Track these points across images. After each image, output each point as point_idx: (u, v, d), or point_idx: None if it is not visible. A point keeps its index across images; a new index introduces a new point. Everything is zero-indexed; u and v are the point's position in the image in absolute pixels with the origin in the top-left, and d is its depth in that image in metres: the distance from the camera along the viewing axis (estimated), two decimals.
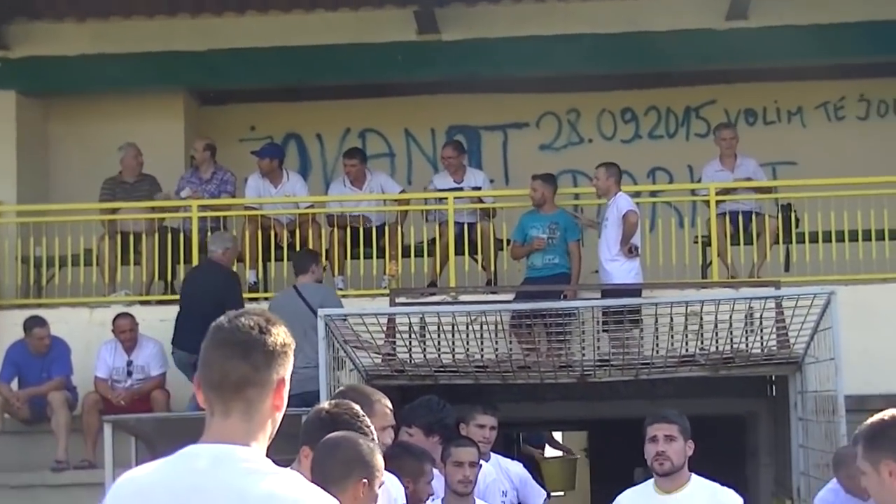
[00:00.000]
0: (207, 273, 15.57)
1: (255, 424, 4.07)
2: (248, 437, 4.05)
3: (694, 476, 7.94)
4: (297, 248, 16.80)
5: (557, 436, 25.29)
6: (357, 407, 6.30)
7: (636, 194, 17.15)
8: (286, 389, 4.14)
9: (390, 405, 7.08)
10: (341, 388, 6.98)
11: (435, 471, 8.83)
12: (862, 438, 5.80)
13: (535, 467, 18.98)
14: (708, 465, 8.39)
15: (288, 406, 4.00)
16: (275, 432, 4.20)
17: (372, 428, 6.27)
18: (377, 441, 6.29)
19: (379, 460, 5.60)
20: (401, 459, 7.44)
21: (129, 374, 15.66)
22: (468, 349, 13.43)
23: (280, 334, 4.10)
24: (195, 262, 16.65)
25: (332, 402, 6.51)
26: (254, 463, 4.03)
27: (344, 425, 6.14)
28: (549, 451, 24.77)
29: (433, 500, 8.99)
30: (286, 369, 4.13)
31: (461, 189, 16.96)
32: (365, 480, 5.36)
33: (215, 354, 4.08)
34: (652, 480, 8.19)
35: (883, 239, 16.57)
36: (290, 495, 3.98)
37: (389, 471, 7.13)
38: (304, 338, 13.05)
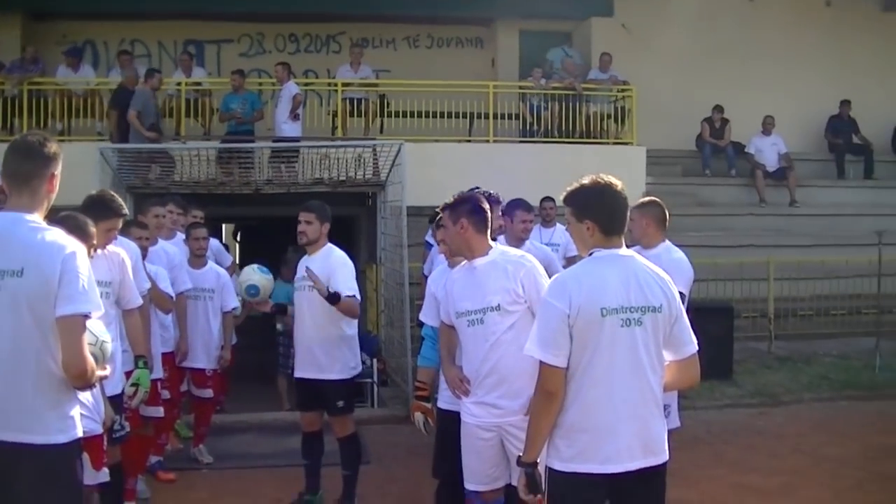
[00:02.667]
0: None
1: (36, 201, 4.23)
2: (33, 209, 4.20)
3: (328, 244, 7.66)
4: (89, 111, 16.37)
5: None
6: (112, 193, 6.37)
7: (297, 84, 17.21)
8: (56, 181, 4.26)
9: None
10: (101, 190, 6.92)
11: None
12: (451, 210, 5.98)
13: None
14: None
15: None
16: (50, 206, 4.32)
17: (124, 206, 6.37)
18: (121, 217, 6.36)
19: (90, 230, 5.49)
20: (126, 227, 7.38)
21: None
22: (189, 172, 13.37)
23: (52, 147, 4.26)
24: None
25: (98, 190, 6.54)
26: (36, 223, 4.16)
27: (107, 202, 6.24)
28: None
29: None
30: (56, 168, 4.26)
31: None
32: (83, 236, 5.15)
33: (11, 157, 4.20)
34: None
35: (437, 117, 16.90)
36: (57, 240, 4.13)
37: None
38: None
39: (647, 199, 7.23)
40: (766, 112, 18.73)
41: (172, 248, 8.75)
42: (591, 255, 4.55)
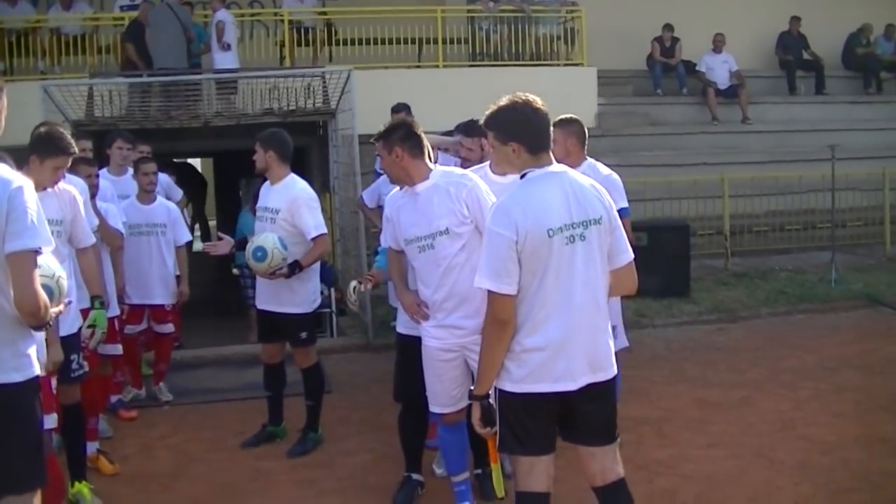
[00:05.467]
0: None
1: None
2: None
3: (291, 175, 7.40)
4: (30, 49, 16.08)
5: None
6: (62, 130, 6.18)
7: (241, 16, 16.96)
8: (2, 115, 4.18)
9: None
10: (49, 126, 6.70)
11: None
12: (384, 140, 5.85)
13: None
14: None
15: None
16: None
17: (73, 144, 6.20)
18: (69, 155, 6.19)
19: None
20: (76, 165, 7.25)
21: None
22: (138, 108, 13.18)
23: None
24: None
25: (46, 125, 6.35)
26: None
27: (55, 139, 6.06)
28: None
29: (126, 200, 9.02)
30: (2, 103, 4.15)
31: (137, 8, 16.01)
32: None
33: None
34: None
35: (390, 43, 16.76)
36: (3, 175, 4.06)
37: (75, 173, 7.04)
38: (175, 42, 14.48)
39: (566, 116, 7.01)
40: (717, 30, 18.69)
41: (103, 181, 8.55)
42: (524, 176, 4.50)
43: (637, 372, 9.36)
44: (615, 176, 7.05)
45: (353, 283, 6.61)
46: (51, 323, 4.34)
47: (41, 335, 5.20)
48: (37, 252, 4.03)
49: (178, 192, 11.14)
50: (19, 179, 4.07)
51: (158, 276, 9.08)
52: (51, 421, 5.67)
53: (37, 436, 4.25)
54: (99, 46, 16.51)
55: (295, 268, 7.22)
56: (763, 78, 19.64)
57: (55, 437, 6.43)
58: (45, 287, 4.17)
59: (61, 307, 4.48)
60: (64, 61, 16.32)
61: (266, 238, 7.23)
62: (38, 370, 4.24)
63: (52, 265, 4.45)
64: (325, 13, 17.37)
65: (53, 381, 5.68)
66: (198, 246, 14.74)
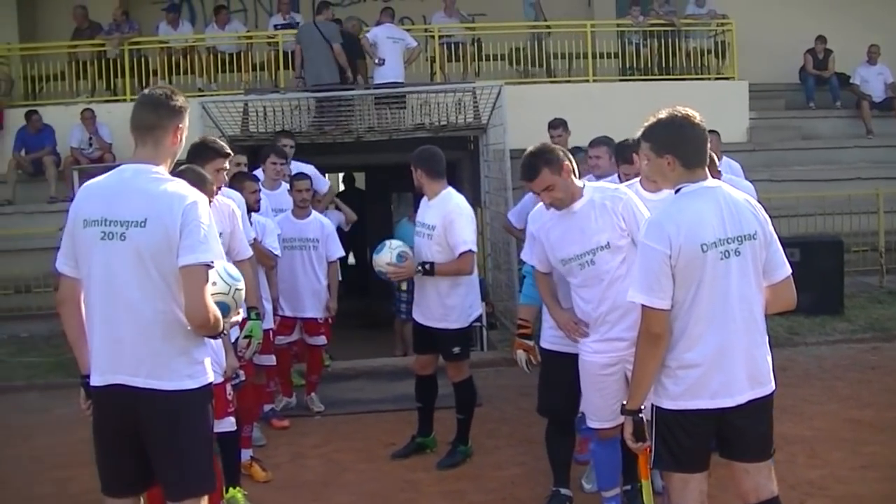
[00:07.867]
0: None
1: (160, 153, 4.36)
2: (157, 160, 4.34)
3: (448, 189, 7.47)
4: (188, 68, 16.73)
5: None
6: (217, 140, 6.49)
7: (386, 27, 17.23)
8: (181, 134, 4.40)
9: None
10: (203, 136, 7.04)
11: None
12: (530, 156, 5.90)
13: None
14: None
15: None
16: (175, 159, 4.45)
17: (227, 147, 6.47)
18: (224, 156, 6.45)
19: (210, 181, 5.68)
20: (241, 180, 7.57)
21: (90, 144, 15.48)
22: (291, 123, 13.48)
23: (179, 100, 4.41)
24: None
25: (204, 137, 6.65)
26: (159, 174, 4.30)
27: (209, 143, 6.37)
28: None
29: (280, 213, 9.24)
30: (181, 121, 4.41)
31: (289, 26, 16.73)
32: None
33: (137, 109, 4.33)
34: None
35: (535, 59, 16.81)
36: (179, 191, 4.25)
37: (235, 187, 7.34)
38: (324, 58, 14.43)
39: None
40: (871, 41, 18.24)
41: (237, 196, 8.73)
42: (678, 191, 4.49)
43: (789, 390, 9.20)
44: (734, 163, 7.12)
45: (522, 357, 6.63)
46: (225, 332, 4.56)
47: (219, 342, 5.42)
48: (208, 266, 4.22)
49: (325, 183, 11.33)
50: (193, 195, 4.27)
51: (310, 290, 9.21)
52: (227, 425, 5.88)
53: (208, 442, 4.42)
54: (253, 64, 17.03)
55: (429, 269, 7.37)
56: None
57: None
58: (220, 305, 4.38)
59: (239, 316, 4.72)
60: (220, 78, 16.89)
61: (399, 245, 7.62)
62: (211, 377, 4.41)
63: (230, 277, 4.66)
64: (473, 28, 17.54)
65: (229, 387, 5.86)
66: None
